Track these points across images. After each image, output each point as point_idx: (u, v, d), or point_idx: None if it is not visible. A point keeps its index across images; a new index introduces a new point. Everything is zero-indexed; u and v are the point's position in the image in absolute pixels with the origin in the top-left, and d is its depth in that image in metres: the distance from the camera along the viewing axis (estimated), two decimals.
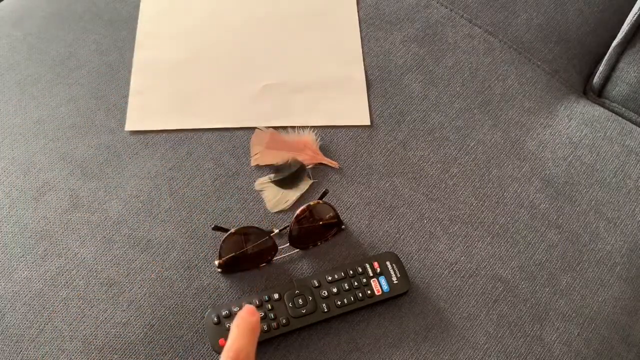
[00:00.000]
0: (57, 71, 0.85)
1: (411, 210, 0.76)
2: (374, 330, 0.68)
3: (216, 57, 0.87)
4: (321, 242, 0.73)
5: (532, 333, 0.69)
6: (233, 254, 0.70)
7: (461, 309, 0.70)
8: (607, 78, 0.91)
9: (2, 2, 0.94)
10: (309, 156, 0.78)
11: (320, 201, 0.72)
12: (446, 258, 0.73)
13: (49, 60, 0.86)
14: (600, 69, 0.91)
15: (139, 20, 0.90)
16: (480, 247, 0.74)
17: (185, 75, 0.85)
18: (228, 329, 0.64)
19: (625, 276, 0.74)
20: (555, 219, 0.76)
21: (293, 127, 0.80)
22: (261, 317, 0.65)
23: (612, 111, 0.90)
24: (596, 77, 0.92)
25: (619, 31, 0.89)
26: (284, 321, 0.65)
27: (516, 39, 0.92)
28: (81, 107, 0.82)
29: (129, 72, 0.85)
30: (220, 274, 0.70)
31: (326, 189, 0.72)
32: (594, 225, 0.77)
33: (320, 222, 0.72)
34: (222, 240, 0.70)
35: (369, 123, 0.82)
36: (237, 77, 0.86)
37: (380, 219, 0.75)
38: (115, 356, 0.66)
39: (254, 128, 0.80)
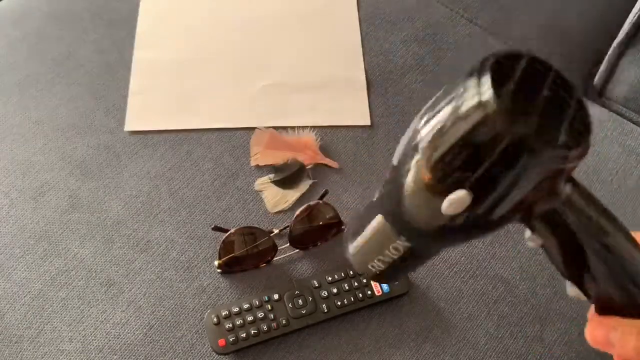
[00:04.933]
0: (56, 71, 0.85)
1: None
2: (374, 331, 0.68)
3: (216, 57, 0.87)
4: (321, 243, 0.73)
5: (532, 333, 0.69)
6: (233, 254, 0.70)
7: (462, 310, 0.69)
8: (607, 78, 0.91)
9: (1, 2, 0.94)
10: (309, 156, 0.78)
11: (320, 201, 0.72)
12: (446, 258, 0.73)
13: (48, 60, 0.86)
14: (601, 69, 0.91)
15: (138, 20, 0.90)
16: (481, 247, 0.74)
17: (184, 76, 0.85)
18: (228, 330, 0.64)
19: None
20: None
21: (293, 127, 0.80)
22: (261, 317, 0.65)
23: (613, 111, 0.89)
24: (596, 77, 0.92)
25: (619, 31, 0.89)
26: (284, 322, 0.65)
27: (516, 39, 0.92)
28: (80, 107, 0.82)
29: (129, 72, 0.85)
30: (220, 274, 0.70)
31: (326, 189, 0.72)
32: None
33: (321, 222, 0.72)
34: (222, 241, 0.69)
35: (369, 123, 0.82)
36: (236, 77, 0.86)
37: None
38: (115, 357, 0.66)
39: (253, 128, 0.80)
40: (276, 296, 0.66)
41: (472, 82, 0.31)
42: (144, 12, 0.91)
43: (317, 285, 0.67)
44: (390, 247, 0.39)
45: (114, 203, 0.75)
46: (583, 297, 0.39)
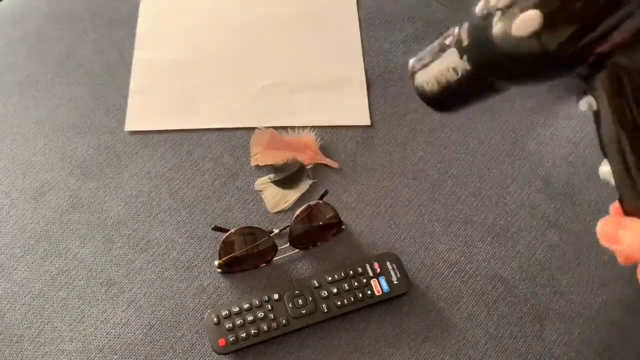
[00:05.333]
0: (56, 71, 0.85)
1: (411, 210, 0.76)
2: (374, 331, 0.68)
3: (216, 57, 0.87)
4: (321, 242, 0.73)
5: (532, 333, 0.69)
6: (233, 254, 0.70)
7: (461, 309, 0.70)
8: None
9: (1, 2, 0.94)
10: (309, 156, 0.78)
11: (320, 201, 0.72)
12: (446, 258, 0.73)
13: (48, 60, 0.86)
14: None
15: (138, 20, 0.90)
16: (481, 247, 0.74)
17: (184, 76, 0.85)
18: (228, 329, 0.64)
19: (626, 276, 0.74)
20: (556, 219, 0.76)
21: (293, 127, 0.80)
22: (261, 317, 0.65)
23: None
24: None
25: None
26: (284, 321, 0.65)
27: None
28: (81, 107, 0.82)
29: (129, 72, 0.85)
30: (220, 274, 0.70)
31: (326, 189, 0.72)
32: (594, 225, 0.76)
33: (321, 222, 0.72)
34: (222, 240, 0.69)
35: (369, 123, 0.82)
36: (237, 77, 0.86)
37: (380, 219, 0.75)
38: (115, 356, 0.66)
39: (254, 128, 0.80)
40: (276, 296, 0.66)
41: None
42: (144, 12, 0.91)
43: (317, 285, 0.67)
44: (451, 67, 0.42)
45: (114, 203, 0.75)
46: (612, 181, 0.40)
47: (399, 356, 0.67)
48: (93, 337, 0.67)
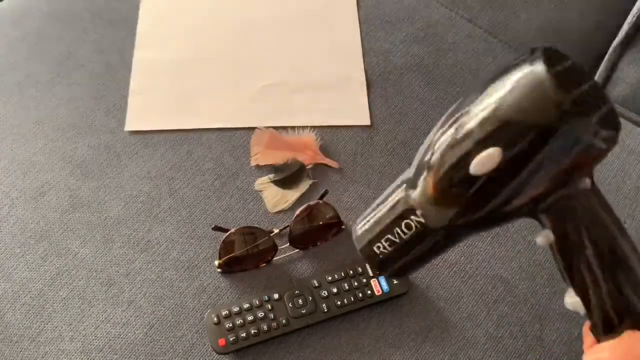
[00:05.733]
0: (56, 71, 0.85)
1: None
2: (374, 331, 0.68)
3: (216, 57, 0.87)
4: (321, 242, 0.73)
5: (532, 333, 0.69)
6: (233, 253, 0.70)
7: (461, 309, 0.70)
8: (607, 78, 0.91)
9: (1, 2, 0.94)
10: (309, 156, 0.78)
11: (320, 201, 0.72)
12: (446, 258, 0.73)
13: (48, 60, 0.86)
14: (600, 69, 0.91)
15: (138, 20, 0.90)
16: (480, 247, 0.74)
17: (185, 75, 0.85)
18: (228, 329, 0.64)
19: None
20: None
21: (293, 127, 0.80)
22: (261, 317, 0.65)
23: None
24: (596, 77, 0.92)
25: (619, 31, 0.89)
26: (284, 321, 0.65)
27: (516, 39, 0.92)
28: (81, 107, 0.82)
29: (129, 72, 0.85)
30: (220, 274, 0.70)
31: (326, 189, 0.72)
32: None
33: (321, 222, 0.72)
34: (222, 240, 0.70)
35: (369, 123, 0.82)
36: (237, 77, 0.86)
37: None
38: (115, 356, 0.66)
39: (253, 128, 0.80)
40: (276, 296, 0.67)
41: (523, 67, 0.35)
42: (144, 12, 0.91)
43: (317, 285, 0.67)
44: (403, 223, 0.39)
45: (115, 203, 0.75)
46: (581, 310, 0.40)
47: (399, 356, 0.67)
48: (93, 337, 0.67)
